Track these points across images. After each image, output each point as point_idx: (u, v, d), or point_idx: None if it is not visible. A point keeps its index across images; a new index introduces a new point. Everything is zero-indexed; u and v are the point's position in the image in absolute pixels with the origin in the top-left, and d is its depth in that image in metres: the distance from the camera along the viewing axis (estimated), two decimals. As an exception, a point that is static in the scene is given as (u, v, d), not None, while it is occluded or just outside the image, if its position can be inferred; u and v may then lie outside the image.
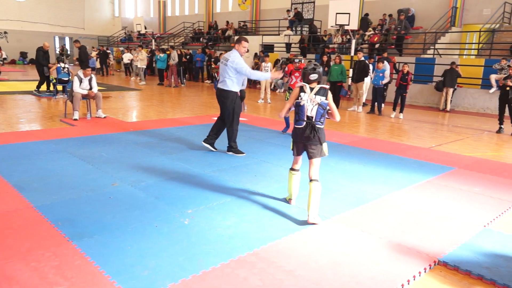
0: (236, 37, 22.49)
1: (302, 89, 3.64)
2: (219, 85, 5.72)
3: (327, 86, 3.68)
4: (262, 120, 9.41)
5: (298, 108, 3.64)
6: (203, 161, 5.55)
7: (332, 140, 7.22)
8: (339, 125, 9.08)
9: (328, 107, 3.62)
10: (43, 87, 12.88)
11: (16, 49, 30.94)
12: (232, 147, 5.95)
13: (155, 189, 4.31)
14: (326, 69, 12.86)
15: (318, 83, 3.68)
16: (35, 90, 12.44)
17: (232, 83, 5.66)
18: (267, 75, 5.72)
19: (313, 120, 3.60)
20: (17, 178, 4.51)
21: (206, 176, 4.85)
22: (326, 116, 3.67)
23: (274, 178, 4.85)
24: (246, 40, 5.64)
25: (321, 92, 3.62)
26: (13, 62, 30.31)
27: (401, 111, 10.53)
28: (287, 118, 7.39)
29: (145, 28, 25.00)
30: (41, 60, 12.15)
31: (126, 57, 21.64)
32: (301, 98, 3.61)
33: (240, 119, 8.91)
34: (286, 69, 7.31)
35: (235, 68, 5.56)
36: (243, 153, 5.99)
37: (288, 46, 19.20)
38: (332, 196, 4.31)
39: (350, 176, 5.10)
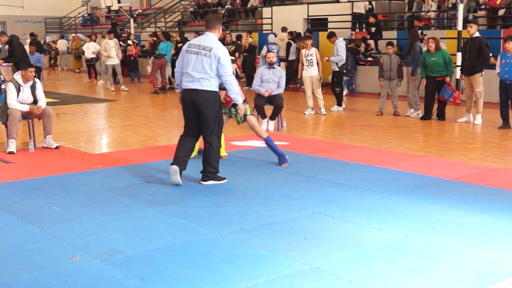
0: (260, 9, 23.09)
1: None
2: (191, 85, 6.65)
3: None
4: (312, 144, 9.41)
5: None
6: (217, 215, 5.55)
7: (433, 174, 7.11)
8: (443, 148, 8.93)
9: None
10: None
11: None
12: (211, 172, 6.75)
13: (139, 265, 4.30)
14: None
15: None
16: None
17: (216, 82, 6.69)
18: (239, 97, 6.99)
19: None
20: None
21: (223, 241, 4.82)
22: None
23: (338, 242, 4.77)
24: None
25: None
26: None
27: None
28: (269, 142, 7.74)
29: (119, 2, 25.67)
30: None
31: (89, 50, 22.13)
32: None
33: (279, 143, 8.96)
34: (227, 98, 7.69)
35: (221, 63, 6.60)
36: (225, 178, 6.86)
37: (357, 18, 19.06)
38: (440, 270, 4.18)
39: (467, 235, 4.97)
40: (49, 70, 25.20)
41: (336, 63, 13.08)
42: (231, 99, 7.37)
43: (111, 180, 6.93)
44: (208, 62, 6.50)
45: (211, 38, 6.64)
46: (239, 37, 18.81)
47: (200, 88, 6.55)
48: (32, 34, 22.59)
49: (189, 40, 8.19)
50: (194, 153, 7.67)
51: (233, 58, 16.89)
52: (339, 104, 13.53)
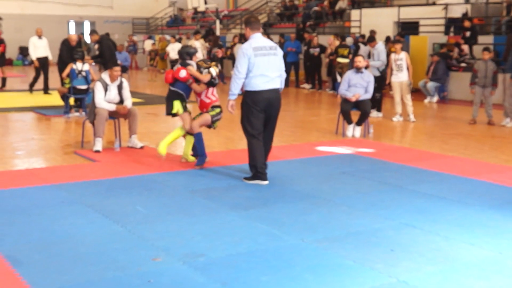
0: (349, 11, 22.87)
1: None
2: (270, 85, 7.00)
3: None
4: (400, 151, 9.30)
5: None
6: (301, 222, 5.55)
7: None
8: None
9: None
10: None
11: (14, 43, 32.55)
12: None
13: (220, 269, 4.36)
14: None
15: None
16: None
17: None
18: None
19: None
20: (10, 244, 4.78)
21: (306, 249, 4.82)
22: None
23: (426, 256, 4.69)
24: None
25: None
26: (9, 62, 32.69)
27: None
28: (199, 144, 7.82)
29: (205, 3, 26.12)
30: (65, 59, 12.94)
31: (174, 51, 22.47)
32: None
33: (365, 150, 8.82)
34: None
35: (282, 60, 7.26)
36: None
37: (453, 22, 18.55)
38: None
39: None
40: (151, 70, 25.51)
41: (377, 68, 12.84)
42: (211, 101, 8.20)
43: (194, 182, 7.06)
44: (278, 60, 7.09)
45: (266, 38, 7.33)
46: (343, 38, 18.23)
47: (277, 87, 7.07)
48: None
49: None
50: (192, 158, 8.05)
51: (347, 60, 16.88)
52: (379, 110, 13.23)
